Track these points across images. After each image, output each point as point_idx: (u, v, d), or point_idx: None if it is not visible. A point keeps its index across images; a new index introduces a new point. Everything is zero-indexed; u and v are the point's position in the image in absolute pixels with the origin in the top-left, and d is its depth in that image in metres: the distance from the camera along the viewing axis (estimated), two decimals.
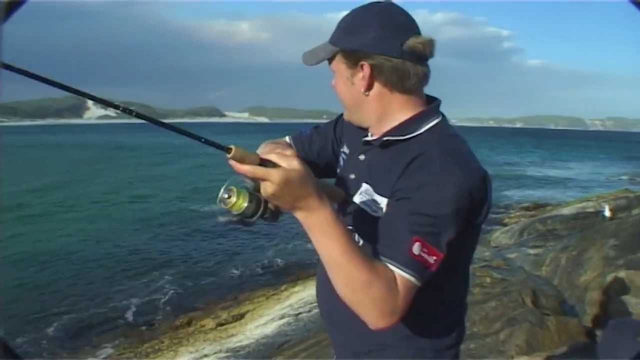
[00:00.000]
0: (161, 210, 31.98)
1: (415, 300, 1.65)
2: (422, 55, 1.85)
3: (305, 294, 14.72)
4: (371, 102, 1.92)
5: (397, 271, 1.59)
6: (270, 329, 11.98)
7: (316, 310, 15.19)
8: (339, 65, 1.90)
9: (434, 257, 1.63)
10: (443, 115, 1.97)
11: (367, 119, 1.99)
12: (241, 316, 12.79)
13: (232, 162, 1.55)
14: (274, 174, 1.46)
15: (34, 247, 22.03)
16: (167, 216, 29.73)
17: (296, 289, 15.29)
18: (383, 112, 1.94)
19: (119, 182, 44.40)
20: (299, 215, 1.56)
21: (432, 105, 1.99)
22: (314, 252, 1.69)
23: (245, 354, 9.74)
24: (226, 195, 1.60)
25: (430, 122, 1.93)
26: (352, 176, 1.99)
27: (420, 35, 1.85)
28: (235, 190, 1.60)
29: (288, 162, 1.50)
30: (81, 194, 37.86)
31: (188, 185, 42.26)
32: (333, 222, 1.55)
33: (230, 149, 1.52)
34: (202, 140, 1.54)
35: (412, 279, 1.60)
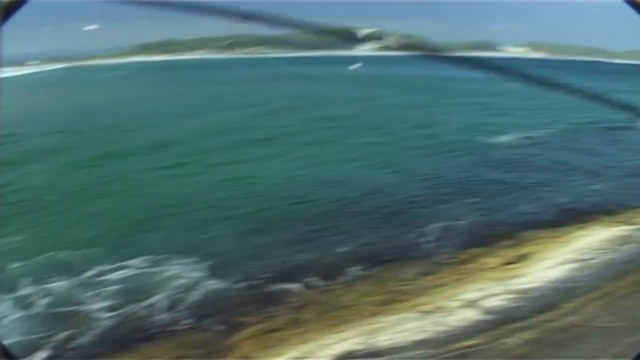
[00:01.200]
0: (448, 139, 32.27)
1: None
2: None
3: (591, 239, 13.80)
4: None
5: None
6: (557, 273, 11.79)
7: (606, 257, 14.15)
8: None
9: None
10: None
11: None
12: (524, 257, 12.88)
13: None
14: None
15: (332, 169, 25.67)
16: (454, 145, 30.18)
17: (581, 232, 14.43)
18: None
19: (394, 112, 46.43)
20: None
21: None
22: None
23: (534, 298, 9.92)
24: None
25: None
26: None
27: None
28: None
29: None
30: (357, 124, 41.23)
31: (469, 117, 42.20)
32: None
33: None
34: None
35: None
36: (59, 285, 14.11)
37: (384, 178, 23.40)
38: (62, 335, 11.57)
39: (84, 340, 11.47)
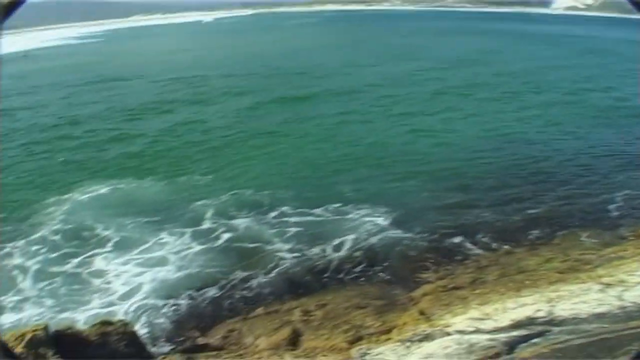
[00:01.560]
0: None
1: None
2: None
3: None
4: None
5: None
6: None
7: None
8: None
9: None
10: None
11: None
12: None
13: None
14: None
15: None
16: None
17: None
18: None
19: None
20: None
21: None
22: None
23: None
24: None
25: None
26: None
27: None
28: None
29: None
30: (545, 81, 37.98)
31: None
32: None
33: None
34: None
35: None
36: (241, 222, 15.44)
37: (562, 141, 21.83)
38: (239, 272, 12.80)
39: (260, 280, 12.54)
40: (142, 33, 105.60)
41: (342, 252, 13.66)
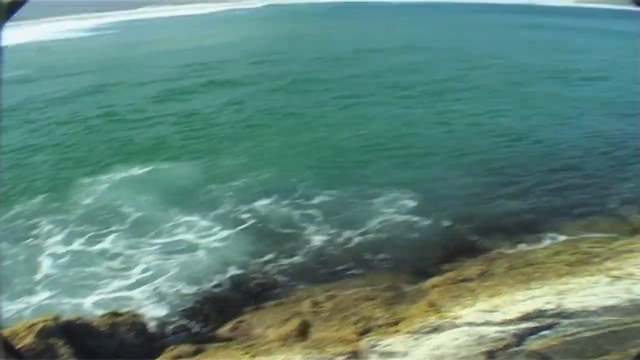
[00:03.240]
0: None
1: None
2: None
3: None
4: None
5: None
6: None
7: None
8: None
9: None
10: None
11: None
12: None
13: None
14: None
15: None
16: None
17: None
18: None
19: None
20: None
21: None
22: None
23: None
24: None
25: None
26: None
27: None
28: None
29: None
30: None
31: None
32: None
33: None
34: None
35: None
36: (263, 205, 15.67)
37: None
38: (252, 261, 12.95)
39: (272, 269, 12.68)
40: (159, 24, 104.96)
41: (354, 241, 13.72)
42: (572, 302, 8.60)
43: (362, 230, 14.27)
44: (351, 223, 14.65)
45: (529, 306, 8.94)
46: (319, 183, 17.15)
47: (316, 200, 15.91)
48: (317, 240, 13.86)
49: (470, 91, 31.13)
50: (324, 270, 12.66)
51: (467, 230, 14.15)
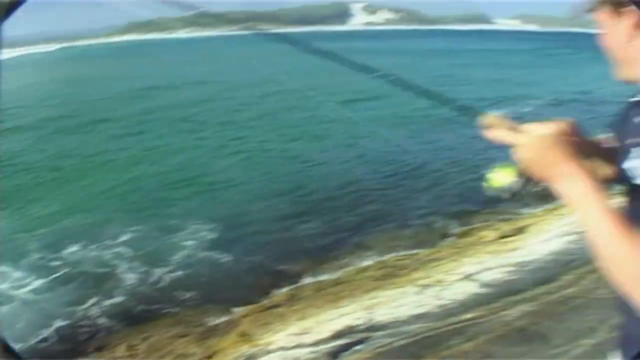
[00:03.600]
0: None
1: None
2: None
3: None
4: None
5: None
6: (554, 245, 11.78)
7: None
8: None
9: None
10: None
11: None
12: (522, 230, 12.86)
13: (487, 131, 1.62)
14: (523, 138, 1.51)
15: None
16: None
17: None
18: None
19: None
20: (557, 184, 1.52)
21: None
22: None
23: (531, 270, 9.93)
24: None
25: None
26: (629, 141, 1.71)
27: None
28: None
29: (536, 129, 1.52)
30: None
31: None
32: (592, 192, 1.46)
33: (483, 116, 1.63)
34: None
35: None
36: (76, 250, 14.17)
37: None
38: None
39: (86, 318, 11.21)
40: None
41: (164, 279, 12.92)
42: (382, 315, 8.41)
43: (170, 267, 13.25)
44: (158, 260, 13.49)
45: (340, 324, 8.60)
46: (124, 222, 15.89)
47: (123, 238, 14.85)
48: (131, 278, 12.95)
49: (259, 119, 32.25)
50: (139, 309, 11.62)
51: (272, 257, 13.68)
